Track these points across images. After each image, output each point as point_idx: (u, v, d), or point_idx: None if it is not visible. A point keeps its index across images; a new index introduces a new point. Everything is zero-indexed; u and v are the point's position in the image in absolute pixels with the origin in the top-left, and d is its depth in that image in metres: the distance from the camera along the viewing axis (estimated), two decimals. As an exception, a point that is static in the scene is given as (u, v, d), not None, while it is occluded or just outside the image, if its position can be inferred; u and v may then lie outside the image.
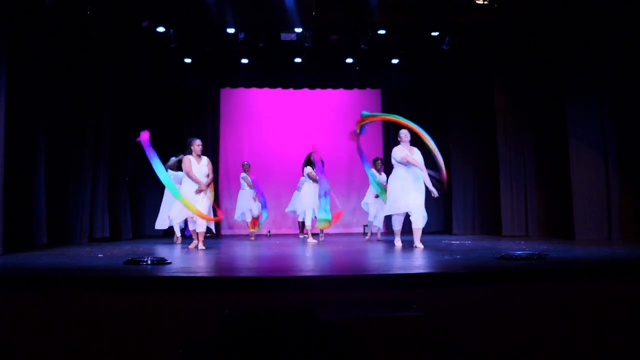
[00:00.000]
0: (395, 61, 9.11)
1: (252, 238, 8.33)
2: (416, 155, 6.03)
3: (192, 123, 9.81)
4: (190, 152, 6.16)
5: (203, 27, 7.83)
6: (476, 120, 8.97)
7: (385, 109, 10.49)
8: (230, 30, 7.73)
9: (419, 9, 7.39)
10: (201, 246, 6.03)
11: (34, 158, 6.46)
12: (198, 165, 6.09)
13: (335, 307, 2.99)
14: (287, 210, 8.80)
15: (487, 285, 3.45)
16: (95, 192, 7.66)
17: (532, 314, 3.27)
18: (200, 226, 6.10)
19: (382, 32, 7.93)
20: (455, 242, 7.00)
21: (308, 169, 7.52)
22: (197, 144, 6.13)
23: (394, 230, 6.37)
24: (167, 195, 7.33)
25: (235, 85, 9.86)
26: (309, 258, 5.13)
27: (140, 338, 3.09)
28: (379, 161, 7.71)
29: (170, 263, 4.28)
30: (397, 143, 6.20)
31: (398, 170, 6.04)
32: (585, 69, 7.20)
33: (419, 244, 5.86)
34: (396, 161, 6.02)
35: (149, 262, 4.20)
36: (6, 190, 5.43)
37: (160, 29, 7.67)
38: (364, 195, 7.93)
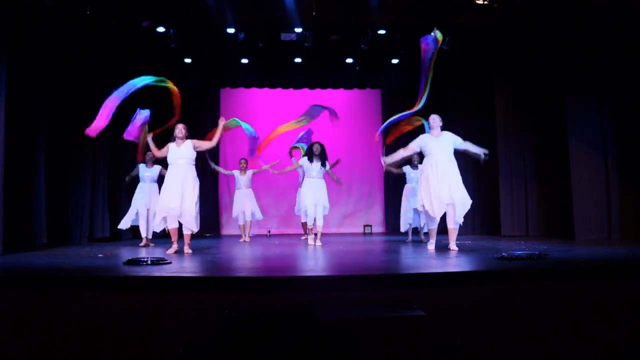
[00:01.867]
0: (395, 61, 9.12)
1: (244, 239, 8.01)
2: (441, 142, 5.48)
3: (192, 123, 9.74)
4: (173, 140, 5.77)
5: (203, 27, 7.83)
6: (476, 120, 8.96)
7: (385, 108, 10.49)
8: (230, 30, 7.74)
9: (419, 9, 7.39)
10: (187, 249, 5.51)
11: (34, 158, 6.46)
12: (177, 149, 5.63)
13: (335, 307, 2.98)
14: (296, 210, 8.28)
15: (487, 285, 3.45)
16: (95, 192, 7.66)
17: (532, 314, 3.27)
18: (189, 227, 5.48)
19: (382, 32, 7.95)
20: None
21: (303, 160, 6.83)
22: (176, 129, 5.72)
23: (428, 230, 5.68)
24: (139, 196, 6.96)
25: (235, 85, 9.88)
26: (309, 258, 5.12)
27: (140, 338, 3.10)
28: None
29: (170, 263, 4.28)
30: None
31: (425, 161, 5.58)
32: (585, 69, 7.19)
33: (453, 246, 5.40)
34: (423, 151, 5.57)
35: (149, 262, 4.21)
36: (6, 190, 5.43)
37: (160, 29, 7.68)
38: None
